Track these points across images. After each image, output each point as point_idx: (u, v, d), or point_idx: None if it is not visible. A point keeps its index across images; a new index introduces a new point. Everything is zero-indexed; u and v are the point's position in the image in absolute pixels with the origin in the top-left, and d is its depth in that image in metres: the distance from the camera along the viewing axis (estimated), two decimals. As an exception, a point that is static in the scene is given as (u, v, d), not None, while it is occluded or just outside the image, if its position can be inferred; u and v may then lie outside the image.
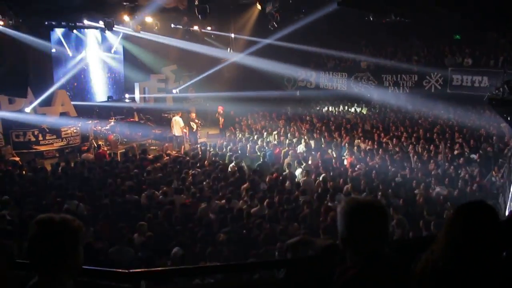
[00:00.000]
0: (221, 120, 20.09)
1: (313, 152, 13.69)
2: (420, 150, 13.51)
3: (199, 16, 16.67)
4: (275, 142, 15.69)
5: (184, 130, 17.82)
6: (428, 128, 16.64)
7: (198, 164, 12.44)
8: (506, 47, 19.69)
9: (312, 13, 18.91)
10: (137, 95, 21.62)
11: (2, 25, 14.88)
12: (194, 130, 18.29)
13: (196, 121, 18.70)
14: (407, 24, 19.39)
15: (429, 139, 15.06)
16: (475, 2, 11.98)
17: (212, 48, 22.27)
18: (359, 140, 15.16)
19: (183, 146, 17.14)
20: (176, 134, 17.81)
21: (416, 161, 12.47)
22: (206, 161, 12.92)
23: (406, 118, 18.78)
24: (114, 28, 18.41)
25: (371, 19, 16.70)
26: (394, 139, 15.04)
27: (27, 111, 16.87)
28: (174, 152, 15.67)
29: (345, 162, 13.15)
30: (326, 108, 22.31)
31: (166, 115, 20.54)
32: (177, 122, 17.84)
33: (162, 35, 20.52)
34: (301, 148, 14.47)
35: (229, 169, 11.79)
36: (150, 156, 13.69)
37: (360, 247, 2.05)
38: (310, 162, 12.64)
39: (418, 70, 22.26)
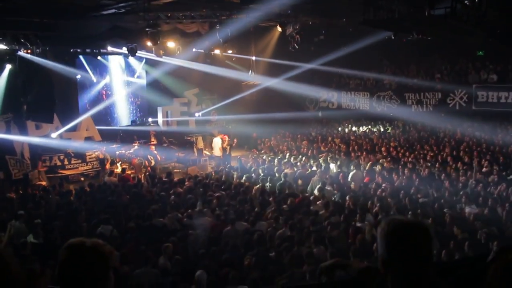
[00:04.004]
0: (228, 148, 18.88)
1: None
2: (448, 169, 13.21)
3: (220, 40, 16.87)
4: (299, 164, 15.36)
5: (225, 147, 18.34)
6: (455, 146, 16.31)
7: (222, 187, 12.37)
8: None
9: (333, 35, 18.95)
10: (160, 118, 21.85)
11: (29, 53, 15.30)
12: (228, 153, 18.52)
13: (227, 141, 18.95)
14: (429, 42, 19.23)
15: (456, 157, 14.75)
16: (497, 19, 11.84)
17: (234, 71, 22.36)
18: (384, 160, 14.90)
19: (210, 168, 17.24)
20: (216, 155, 18.37)
21: (444, 179, 12.17)
22: (232, 184, 12.63)
23: (431, 136, 18.47)
24: (137, 54, 18.73)
25: (393, 37, 16.56)
26: (420, 158, 14.75)
27: (54, 137, 17.20)
28: (199, 174, 15.59)
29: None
30: (349, 128, 22.07)
31: (189, 138, 20.64)
32: (217, 143, 18.27)
33: (184, 60, 20.70)
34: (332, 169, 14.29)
35: (253, 191, 11.70)
36: (175, 179, 13.72)
37: (402, 270, 1.92)
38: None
39: (442, 88, 21.91)
